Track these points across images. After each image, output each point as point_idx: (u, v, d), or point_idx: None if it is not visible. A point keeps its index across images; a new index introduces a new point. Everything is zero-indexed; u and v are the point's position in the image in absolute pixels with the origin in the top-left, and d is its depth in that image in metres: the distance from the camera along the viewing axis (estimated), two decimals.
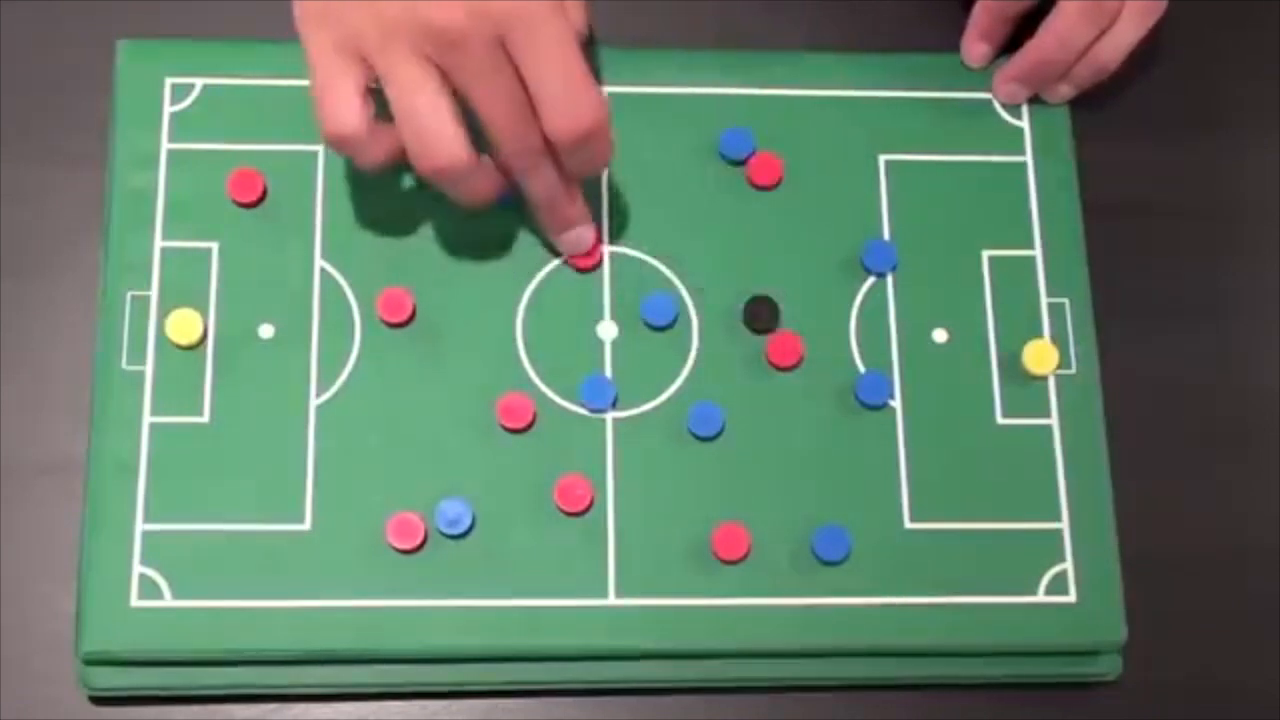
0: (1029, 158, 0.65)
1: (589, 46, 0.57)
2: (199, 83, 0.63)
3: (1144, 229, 0.67)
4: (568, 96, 0.54)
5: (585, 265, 0.62)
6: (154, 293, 0.60)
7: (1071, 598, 0.60)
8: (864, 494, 0.60)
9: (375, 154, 0.56)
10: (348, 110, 0.54)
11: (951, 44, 0.66)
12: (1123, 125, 0.68)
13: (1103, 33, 0.64)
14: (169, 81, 0.63)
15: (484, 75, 0.53)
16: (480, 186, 0.57)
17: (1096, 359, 0.63)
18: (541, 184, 0.58)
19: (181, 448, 0.59)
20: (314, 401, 0.60)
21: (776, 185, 0.64)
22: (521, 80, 0.54)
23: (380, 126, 0.55)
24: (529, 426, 0.60)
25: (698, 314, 0.62)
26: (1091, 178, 0.65)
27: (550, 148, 0.56)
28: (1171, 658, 0.62)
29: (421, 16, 0.52)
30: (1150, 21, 0.64)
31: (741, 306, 0.62)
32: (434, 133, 0.54)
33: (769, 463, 0.60)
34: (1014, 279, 0.63)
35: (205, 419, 0.59)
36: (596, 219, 0.62)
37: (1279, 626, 0.63)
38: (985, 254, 0.64)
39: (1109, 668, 0.61)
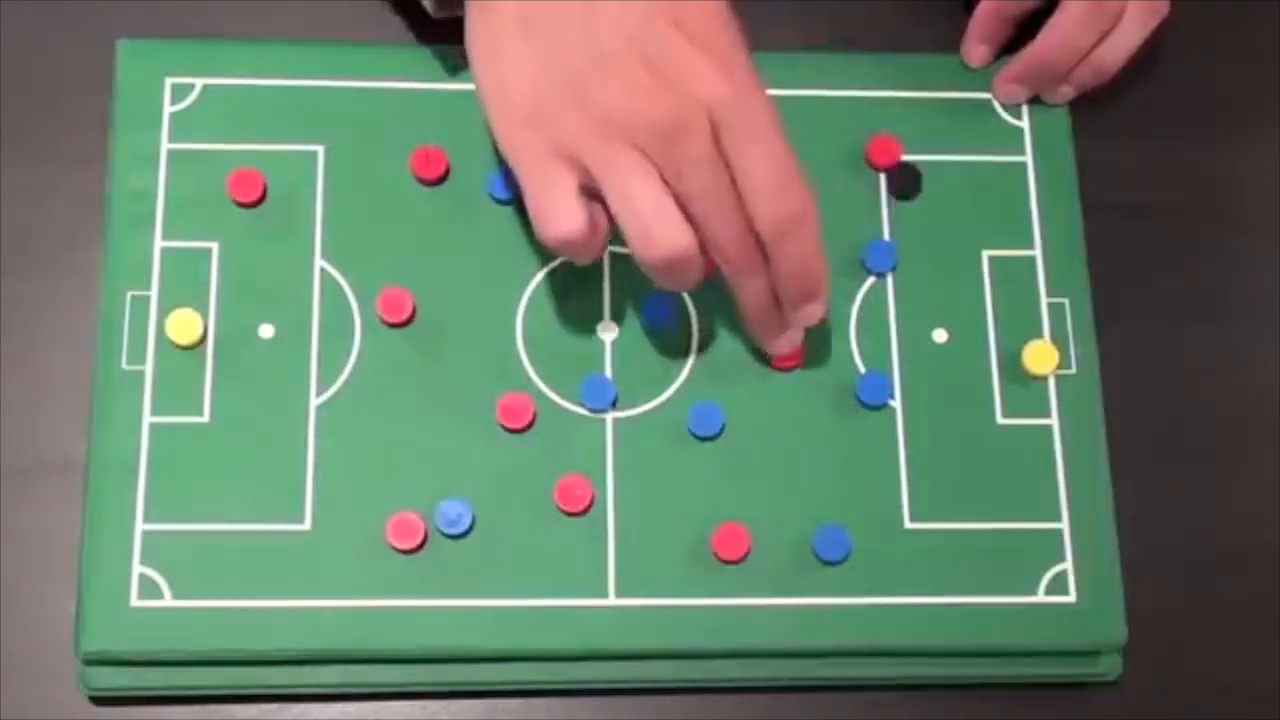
0: (1029, 158, 0.65)
1: None
2: (199, 83, 0.63)
3: (1144, 229, 0.67)
4: (778, 180, 0.53)
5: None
6: (154, 293, 0.60)
7: (1071, 598, 0.60)
8: (864, 494, 0.60)
9: (596, 251, 0.55)
10: (570, 216, 0.53)
11: (951, 44, 0.66)
12: (1123, 125, 0.68)
13: (1105, 35, 0.64)
14: (169, 81, 0.62)
15: (702, 166, 0.52)
16: (699, 274, 0.55)
17: (1096, 359, 0.63)
18: (754, 288, 0.56)
19: (181, 448, 0.59)
20: (314, 401, 0.60)
21: None
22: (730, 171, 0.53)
23: (596, 222, 0.54)
24: (529, 426, 0.60)
25: (698, 314, 0.62)
26: (1091, 178, 0.65)
27: (761, 247, 0.55)
28: (1171, 658, 0.62)
29: (638, 113, 0.51)
30: (1153, 24, 0.64)
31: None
32: (660, 224, 0.53)
33: (769, 463, 0.60)
34: (1014, 279, 0.63)
35: (205, 419, 0.59)
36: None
37: (1279, 626, 0.63)
38: (985, 254, 0.64)
39: (1109, 668, 0.61)
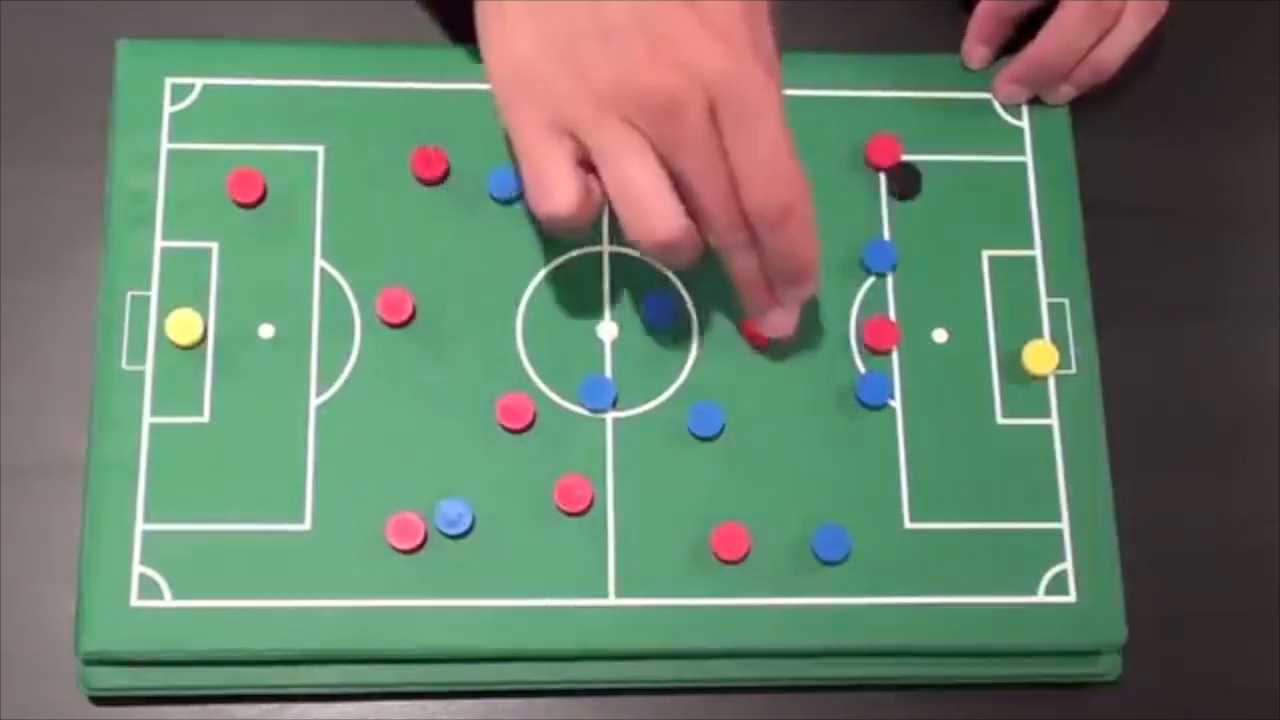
0: (1029, 158, 0.65)
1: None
2: (199, 83, 0.63)
3: (1144, 229, 0.67)
4: (770, 169, 0.52)
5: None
6: (154, 293, 0.60)
7: (1071, 598, 0.60)
8: (864, 494, 0.60)
9: (590, 222, 0.54)
10: (565, 191, 0.52)
11: (951, 44, 0.66)
12: (1123, 125, 0.68)
13: (1104, 34, 0.64)
14: (169, 81, 0.63)
15: (697, 146, 0.51)
16: (693, 255, 0.54)
17: (1096, 359, 0.63)
18: (743, 264, 0.55)
19: (181, 448, 0.59)
20: (314, 401, 0.60)
21: None
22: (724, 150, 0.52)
23: (590, 195, 0.53)
24: (529, 426, 0.60)
25: (698, 314, 0.62)
26: (1091, 178, 0.65)
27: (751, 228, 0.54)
28: (1171, 658, 0.62)
29: (634, 86, 0.50)
30: (1152, 22, 0.64)
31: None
32: (654, 207, 0.52)
33: (769, 463, 0.60)
34: (1014, 279, 0.63)
35: (205, 419, 0.59)
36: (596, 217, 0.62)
37: (1279, 626, 0.63)
38: (985, 254, 0.64)
39: (1109, 668, 0.61)
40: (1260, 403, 0.66)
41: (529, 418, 0.60)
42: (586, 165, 0.53)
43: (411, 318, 0.61)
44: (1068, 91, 0.65)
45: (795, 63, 0.65)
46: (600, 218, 0.62)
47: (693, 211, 0.53)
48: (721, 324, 0.62)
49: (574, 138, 0.52)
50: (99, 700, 0.59)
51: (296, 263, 0.61)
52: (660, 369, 0.61)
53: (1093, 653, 0.61)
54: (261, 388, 0.60)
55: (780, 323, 0.59)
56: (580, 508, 0.59)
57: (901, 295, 0.63)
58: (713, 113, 0.51)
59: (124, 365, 0.59)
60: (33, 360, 0.62)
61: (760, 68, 0.51)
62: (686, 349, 0.62)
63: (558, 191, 0.52)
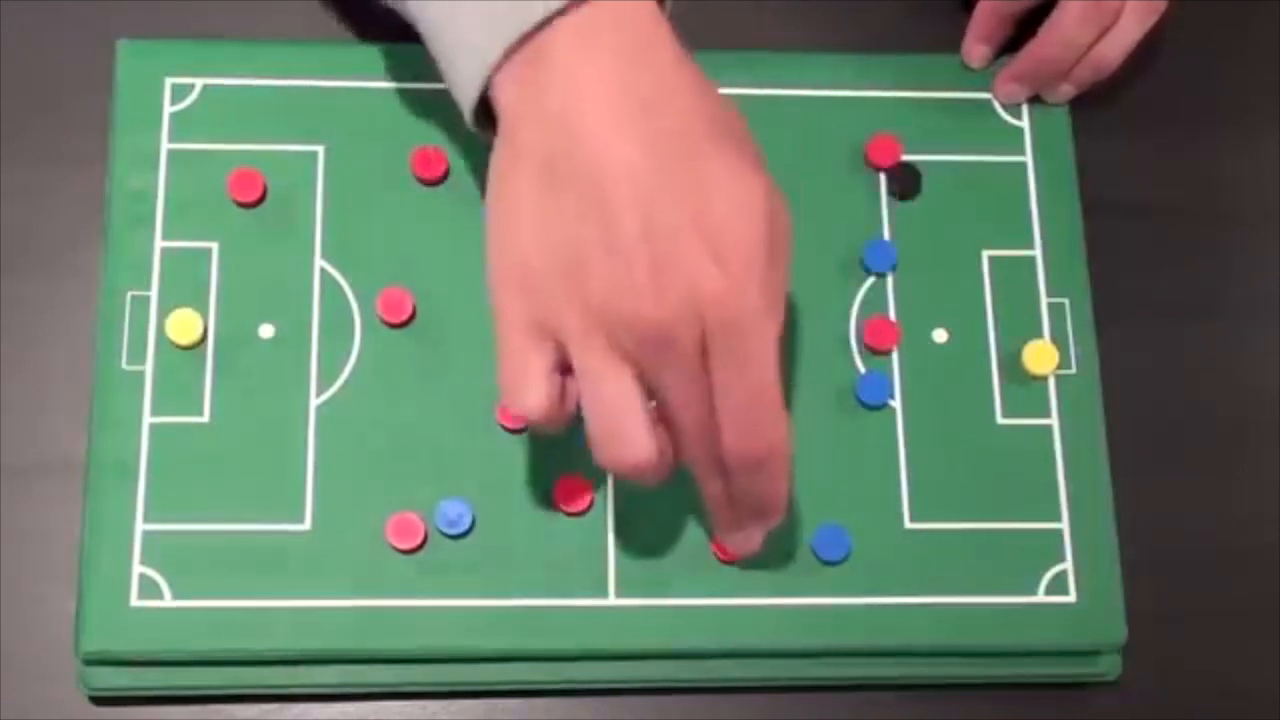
0: (1029, 158, 0.65)
1: None
2: (199, 83, 0.63)
3: (1144, 229, 0.67)
4: (750, 415, 0.49)
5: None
6: (154, 293, 0.60)
7: (1071, 598, 0.60)
8: (864, 494, 0.60)
9: (560, 427, 0.52)
10: (536, 395, 0.50)
11: (951, 44, 0.66)
12: (1123, 125, 0.68)
13: (1104, 32, 0.64)
14: (169, 81, 0.63)
15: (682, 377, 0.49)
16: (659, 481, 0.52)
17: (1096, 359, 0.63)
18: (714, 488, 0.53)
19: (181, 448, 0.59)
20: (314, 401, 0.60)
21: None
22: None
23: (564, 401, 0.51)
24: (529, 426, 0.60)
25: None
26: (1091, 178, 0.65)
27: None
28: (1171, 658, 0.62)
29: (628, 310, 0.48)
30: (1151, 20, 0.64)
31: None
32: (626, 433, 0.50)
33: None
34: (1014, 279, 0.63)
35: (205, 419, 0.59)
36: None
37: (1279, 626, 0.63)
38: (985, 254, 0.64)
39: (1109, 668, 0.61)
40: (1260, 403, 0.66)
41: None
42: (565, 370, 0.51)
43: (411, 318, 0.61)
44: (1067, 90, 0.65)
45: (795, 63, 0.65)
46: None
47: (666, 429, 0.51)
48: None
49: (557, 341, 0.50)
50: (99, 700, 0.59)
51: (296, 263, 0.61)
52: None
53: (1093, 653, 0.61)
54: (261, 388, 0.60)
55: (743, 545, 0.56)
56: (580, 508, 0.59)
57: (901, 295, 0.63)
58: (704, 341, 0.49)
59: (124, 365, 0.59)
60: (33, 360, 0.62)
61: (762, 304, 0.49)
62: None
63: (528, 394, 0.51)
